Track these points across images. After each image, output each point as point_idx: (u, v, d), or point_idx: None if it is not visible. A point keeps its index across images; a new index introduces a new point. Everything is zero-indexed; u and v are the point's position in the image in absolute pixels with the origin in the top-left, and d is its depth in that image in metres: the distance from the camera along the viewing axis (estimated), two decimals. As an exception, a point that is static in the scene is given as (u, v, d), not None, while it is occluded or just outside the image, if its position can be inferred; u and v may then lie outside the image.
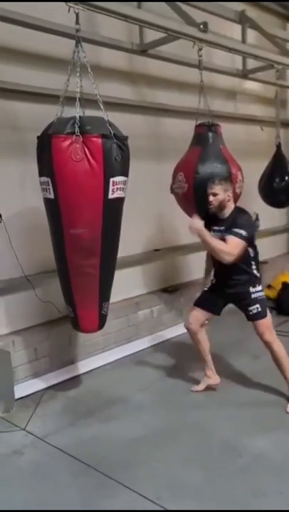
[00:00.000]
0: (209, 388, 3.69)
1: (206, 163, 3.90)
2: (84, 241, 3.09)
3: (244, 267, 3.37)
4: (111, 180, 3.01)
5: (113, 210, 3.13)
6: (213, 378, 3.71)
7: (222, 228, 3.34)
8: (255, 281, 3.43)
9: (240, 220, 3.28)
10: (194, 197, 3.93)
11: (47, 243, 3.31)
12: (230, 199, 3.37)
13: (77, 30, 3.03)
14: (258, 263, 3.47)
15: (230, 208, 3.38)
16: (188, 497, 2.49)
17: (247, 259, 3.36)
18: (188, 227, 3.27)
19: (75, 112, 2.94)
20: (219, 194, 3.30)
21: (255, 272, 3.43)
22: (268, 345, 3.42)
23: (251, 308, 3.41)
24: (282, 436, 3.01)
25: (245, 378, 3.86)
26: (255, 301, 3.41)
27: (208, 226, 3.38)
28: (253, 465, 2.74)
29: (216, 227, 3.38)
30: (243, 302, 3.43)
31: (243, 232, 3.20)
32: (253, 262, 3.40)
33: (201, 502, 2.45)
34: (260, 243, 6.51)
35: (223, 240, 3.25)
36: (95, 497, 2.51)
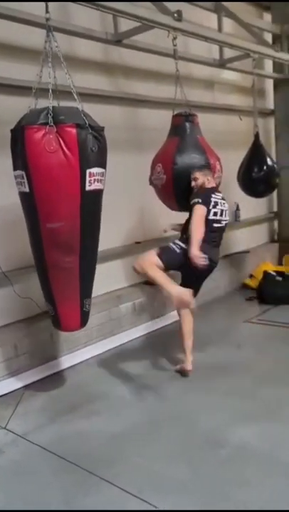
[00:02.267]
0: (189, 371, 3.75)
1: (184, 153, 3.86)
2: (62, 235, 3.01)
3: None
4: (88, 171, 2.93)
5: (91, 202, 3.06)
6: (185, 363, 3.76)
7: None
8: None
9: (195, 193, 3.64)
10: (173, 188, 3.90)
11: (25, 238, 3.25)
12: (210, 182, 3.72)
13: (48, 19, 2.96)
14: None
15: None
16: (171, 490, 2.47)
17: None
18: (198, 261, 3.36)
19: (49, 103, 2.87)
20: (199, 178, 3.70)
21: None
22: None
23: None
24: (264, 426, 3.01)
25: (228, 367, 3.86)
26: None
27: None
28: (236, 456, 2.73)
29: None
30: None
31: (196, 200, 3.52)
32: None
33: (184, 495, 2.44)
34: (242, 233, 6.62)
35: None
36: (77, 493, 2.48)
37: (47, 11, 2.97)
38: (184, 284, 3.73)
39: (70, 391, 3.65)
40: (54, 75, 3.03)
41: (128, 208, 4.93)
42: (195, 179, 3.71)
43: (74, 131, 2.83)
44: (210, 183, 3.71)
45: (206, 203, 3.52)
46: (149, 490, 2.47)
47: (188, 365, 3.73)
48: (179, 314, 3.85)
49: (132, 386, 3.66)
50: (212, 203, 3.55)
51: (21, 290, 3.92)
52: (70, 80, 2.97)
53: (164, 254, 3.47)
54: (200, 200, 3.51)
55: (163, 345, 4.43)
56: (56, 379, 3.84)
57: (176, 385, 3.66)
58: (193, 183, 3.72)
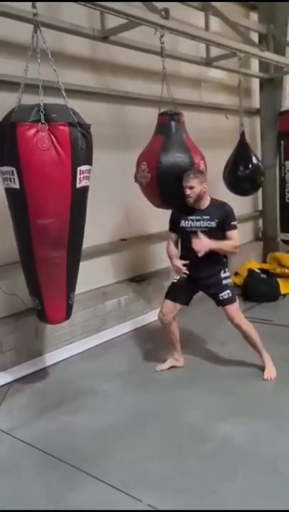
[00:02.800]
0: (174, 368, 3.83)
1: (168, 152, 3.88)
2: (52, 231, 3.04)
3: (217, 257, 3.51)
4: (78, 169, 2.98)
5: (80, 199, 3.11)
6: (180, 361, 3.87)
7: (205, 218, 3.46)
8: (225, 266, 3.59)
9: (229, 213, 3.51)
10: (157, 186, 3.94)
11: (8, 234, 3.24)
12: (206, 190, 3.50)
13: (35, 15, 2.94)
14: None
15: (206, 199, 3.52)
16: (156, 485, 2.50)
17: None
18: (197, 245, 3.36)
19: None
20: (196, 187, 3.40)
21: (224, 259, 3.60)
22: (238, 327, 3.56)
23: (222, 294, 3.53)
24: (248, 422, 3.06)
25: (212, 364, 3.90)
26: (226, 287, 3.55)
27: (185, 216, 3.51)
28: (220, 451, 2.77)
29: (193, 217, 3.49)
30: (214, 289, 3.56)
31: (236, 223, 3.50)
32: None
33: (168, 489, 2.46)
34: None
35: (206, 229, 3.43)
36: (62, 489, 2.49)
37: (34, 6, 2.95)
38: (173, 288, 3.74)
39: (56, 387, 3.65)
40: (39, 70, 3.01)
41: (114, 205, 4.93)
42: (191, 187, 3.38)
43: (67, 129, 2.87)
44: (206, 191, 3.48)
45: None
46: (135, 485, 2.49)
47: (182, 362, 3.88)
48: (165, 323, 3.73)
49: (117, 382, 3.67)
50: None
51: (7, 286, 3.90)
52: (57, 76, 2.96)
53: (235, 292, 3.65)
54: (236, 225, 3.51)
55: (148, 341, 4.45)
56: (42, 375, 3.84)
57: (161, 381, 3.68)
58: (188, 191, 3.38)
